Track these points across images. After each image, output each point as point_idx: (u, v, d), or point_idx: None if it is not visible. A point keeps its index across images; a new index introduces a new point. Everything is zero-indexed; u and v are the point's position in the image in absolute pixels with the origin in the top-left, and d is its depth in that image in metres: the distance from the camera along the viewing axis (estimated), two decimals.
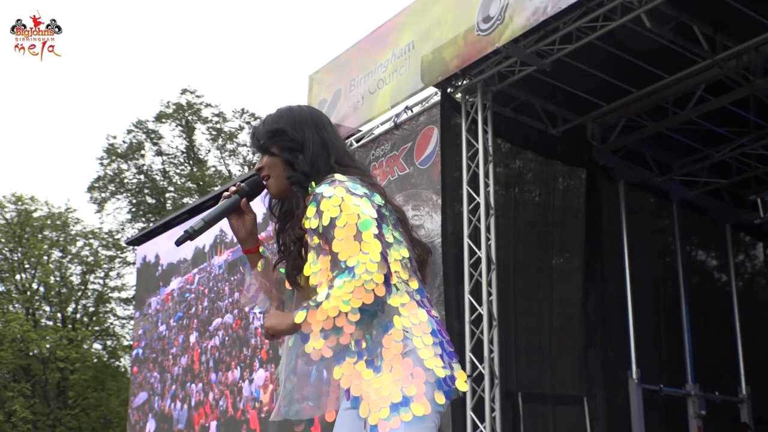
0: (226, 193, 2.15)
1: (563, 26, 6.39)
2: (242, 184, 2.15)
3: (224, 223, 2.17)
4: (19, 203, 22.60)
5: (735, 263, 9.75)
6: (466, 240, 6.80)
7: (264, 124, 2.17)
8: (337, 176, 2.02)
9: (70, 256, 23.65)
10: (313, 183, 2.05)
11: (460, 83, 7.13)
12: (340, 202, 1.93)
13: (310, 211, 1.98)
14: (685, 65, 7.04)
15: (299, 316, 1.86)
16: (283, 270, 2.19)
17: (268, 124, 2.16)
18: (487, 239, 6.72)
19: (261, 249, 2.22)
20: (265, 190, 2.18)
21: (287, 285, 2.16)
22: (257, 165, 2.17)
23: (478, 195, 6.81)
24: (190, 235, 2.04)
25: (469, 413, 6.46)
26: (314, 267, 1.98)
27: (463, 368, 6.41)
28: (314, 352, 1.85)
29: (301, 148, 2.10)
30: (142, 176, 25.13)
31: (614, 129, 8.13)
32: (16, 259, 22.58)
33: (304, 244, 2.05)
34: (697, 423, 8.23)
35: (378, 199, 2.02)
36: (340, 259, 1.89)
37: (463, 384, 1.94)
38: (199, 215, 2.12)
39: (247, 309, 9.23)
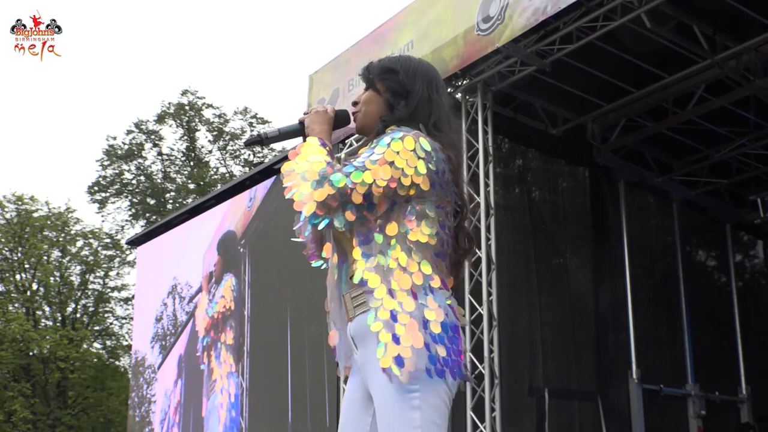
0: (301, 117, 2.18)
1: (563, 26, 6.38)
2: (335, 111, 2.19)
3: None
4: (20, 203, 22.58)
5: (735, 263, 9.75)
6: None
7: (380, 61, 2.20)
8: (421, 134, 2.02)
9: (69, 256, 23.64)
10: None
11: (460, 83, 7.12)
12: (402, 146, 1.95)
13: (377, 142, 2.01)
14: (685, 65, 7.04)
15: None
16: None
17: (384, 62, 2.19)
18: (487, 239, 6.72)
19: None
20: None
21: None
22: (355, 99, 2.20)
23: (478, 195, 6.80)
24: (261, 140, 2.12)
25: (469, 413, 6.46)
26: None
27: None
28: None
29: (406, 95, 2.11)
30: (142, 177, 25.12)
31: (614, 129, 8.13)
32: (16, 259, 22.56)
33: None
34: (697, 423, 8.24)
35: (441, 166, 2.00)
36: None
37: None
38: (275, 127, 2.19)
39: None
